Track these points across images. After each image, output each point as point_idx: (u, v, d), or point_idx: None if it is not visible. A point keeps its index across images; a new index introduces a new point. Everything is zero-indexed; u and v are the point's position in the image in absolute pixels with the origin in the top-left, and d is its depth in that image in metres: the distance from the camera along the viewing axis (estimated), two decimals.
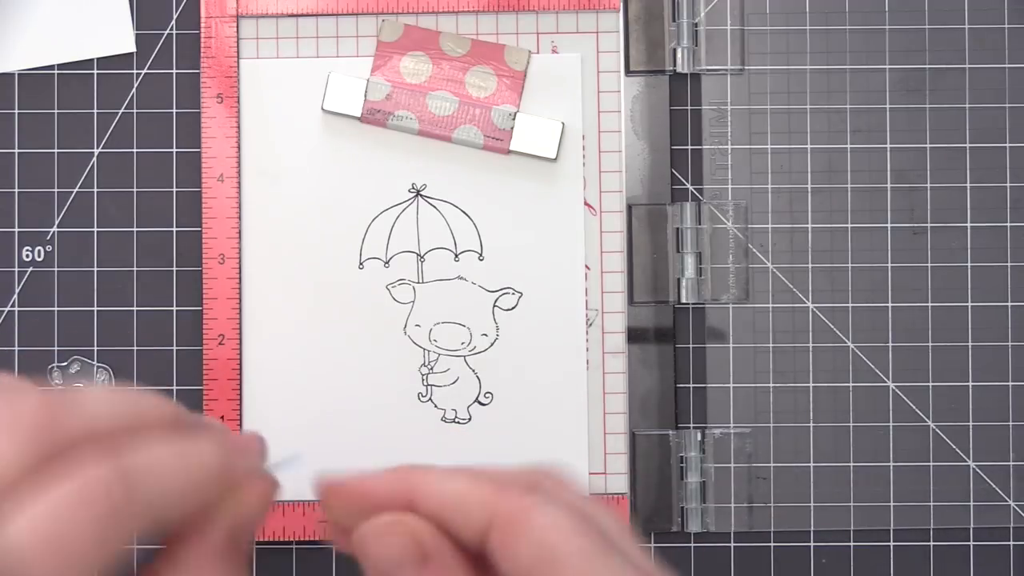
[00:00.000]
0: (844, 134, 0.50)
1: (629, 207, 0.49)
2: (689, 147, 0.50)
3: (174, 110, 0.50)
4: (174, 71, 0.50)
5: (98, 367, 0.49)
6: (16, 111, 0.50)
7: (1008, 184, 0.50)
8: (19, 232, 0.50)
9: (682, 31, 0.49)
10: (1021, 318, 0.50)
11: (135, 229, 0.50)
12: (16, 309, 0.49)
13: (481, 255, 0.49)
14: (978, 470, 0.49)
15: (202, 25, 0.49)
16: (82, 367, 0.49)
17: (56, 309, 0.49)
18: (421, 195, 0.49)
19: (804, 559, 0.49)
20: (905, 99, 0.50)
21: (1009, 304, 0.50)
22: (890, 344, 0.49)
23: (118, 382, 0.49)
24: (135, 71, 0.50)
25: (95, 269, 0.49)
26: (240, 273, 0.49)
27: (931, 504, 0.49)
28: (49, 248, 0.49)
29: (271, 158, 0.49)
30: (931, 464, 0.49)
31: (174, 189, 0.50)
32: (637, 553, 0.30)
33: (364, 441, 0.49)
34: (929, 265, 0.50)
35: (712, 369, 0.49)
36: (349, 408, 0.49)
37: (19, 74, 0.50)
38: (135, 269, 0.49)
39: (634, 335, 0.49)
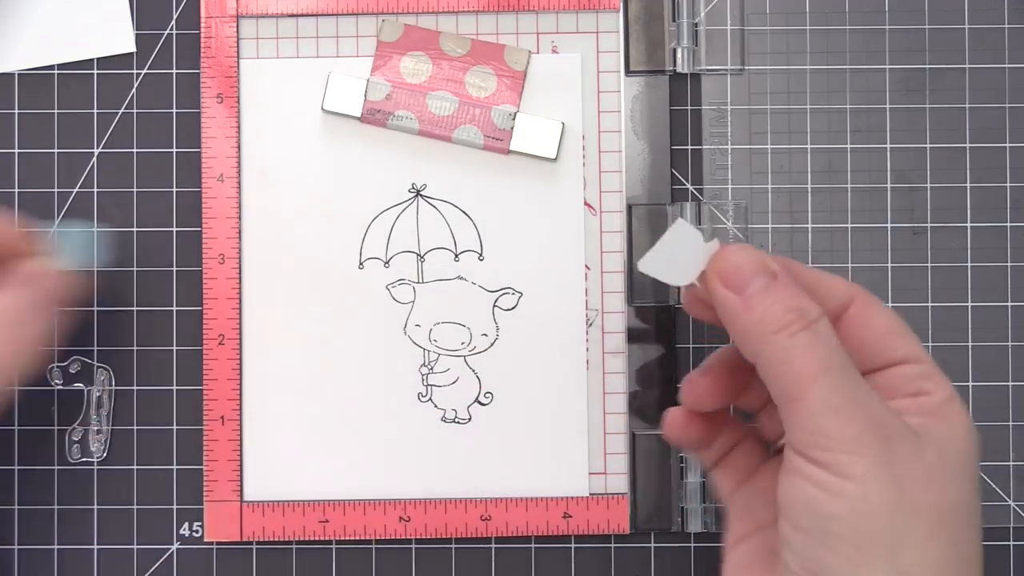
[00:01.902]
0: (844, 134, 0.50)
1: (629, 207, 0.49)
2: (689, 147, 0.50)
3: (174, 110, 0.50)
4: (174, 71, 0.50)
5: (98, 367, 0.49)
6: (16, 111, 0.50)
7: (1008, 184, 0.50)
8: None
9: (682, 31, 0.49)
10: (1021, 318, 0.50)
11: (135, 229, 0.50)
12: None
13: (481, 255, 0.49)
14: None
15: (202, 25, 0.49)
16: (82, 367, 0.49)
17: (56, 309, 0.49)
18: (421, 195, 0.49)
19: None
20: (905, 99, 0.50)
21: (1009, 304, 0.50)
22: None
23: (118, 382, 0.49)
24: (135, 71, 0.50)
25: (95, 269, 0.49)
26: (240, 273, 0.49)
27: None
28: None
29: (271, 158, 0.49)
30: None
31: (174, 189, 0.50)
32: None
33: (364, 441, 0.49)
34: (929, 265, 0.50)
35: None
36: (349, 408, 0.49)
37: (19, 74, 0.50)
38: (135, 269, 0.49)
39: (634, 335, 0.49)
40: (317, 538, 0.48)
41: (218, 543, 0.49)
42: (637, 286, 0.49)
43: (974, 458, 0.36)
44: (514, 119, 0.49)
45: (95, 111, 0.50)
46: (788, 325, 0.36)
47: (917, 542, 0.34)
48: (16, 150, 0.50)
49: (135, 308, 0.49)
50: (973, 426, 0.37)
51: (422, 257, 0.49)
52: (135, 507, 0.49)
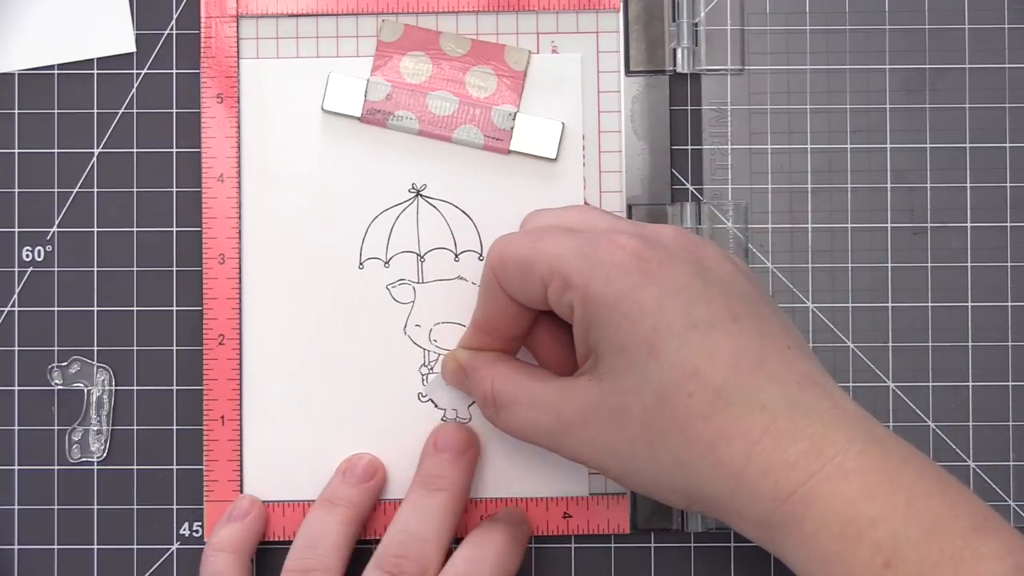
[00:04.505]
0: (844, 134, 0.50)
1: (629, 207, 0.49)
2: (689, 147, 0.50)
3: (174, 110, 0.50)
4: (174, 71, 0.50)
5: (98, 367, 0.49)
6: (16, 111, 0.50)
7: (1008, 184, 0.50)
8: (19, 232, 0.50)
9: (682, 31, 0.49)
10: (1021, 318, 0.50)
11: (135, 229, 0.50)
12: (16, 309, 0.49)
13: (481, 255, 0.49)
14: (978, 470, 0.49)
15: (202, 25, 0.49)
16: (82, 367, 0.49)
17: (56, 309, 0.49)
18: (421, 195, 0.49)
19: None
20: (905, 99, 0.50)
21: (1009, 304, 0.50)
22: (890, 344, 0.49)
23: (118, 382, 0.49)
24: (135, 71, 0.50)
25: (95, 269, 0.49)
26: (240, 273, 0.49)
27: None
28: (49, 248, 0.50)
29: (271, 158, 0.49)
30: None
31: (174, 189, 0.50)
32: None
33: (364, 441, 0.49)
34: (929, 265, 0.50)
35: None
36: (349, 408, 0.49)
37: (19, 74, 0.50)
38: (135, 269, 0.50)
39: None
40: None
41: None
42: None
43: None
44: (514, 119, 0.49)
45: (95, 111, 0.50)
46: (486, 404, 0.44)
47: None
48: (16, 150, 0.50)
49: (135, 308, 0.49)
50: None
51: (422, 257, 0.49)
52: (135, 507, 0.49)
